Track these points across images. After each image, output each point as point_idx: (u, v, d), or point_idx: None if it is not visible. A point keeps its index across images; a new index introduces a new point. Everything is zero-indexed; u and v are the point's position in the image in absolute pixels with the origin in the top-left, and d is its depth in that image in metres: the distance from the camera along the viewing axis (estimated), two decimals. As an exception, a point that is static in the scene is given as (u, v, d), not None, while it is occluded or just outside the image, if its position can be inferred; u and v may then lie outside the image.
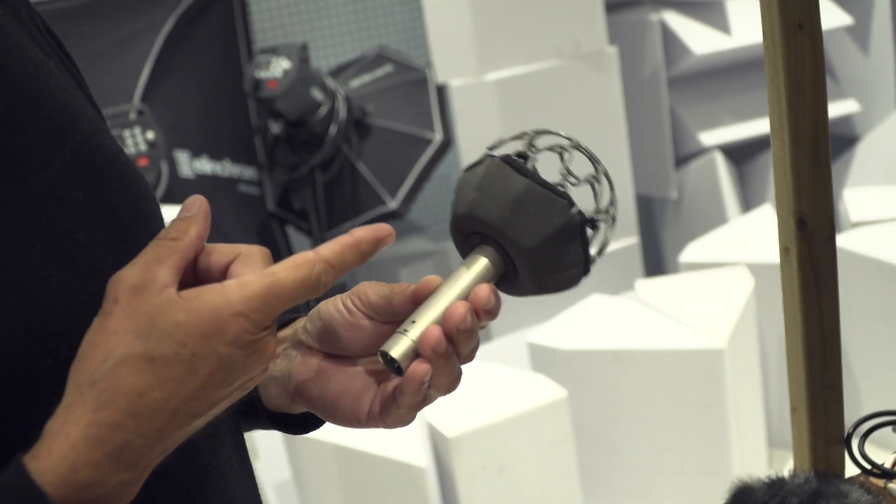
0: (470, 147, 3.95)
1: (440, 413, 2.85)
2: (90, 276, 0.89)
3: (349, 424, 1.02)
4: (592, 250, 0.99)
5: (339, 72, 4.38)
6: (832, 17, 4.35)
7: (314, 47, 4.61)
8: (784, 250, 1.43)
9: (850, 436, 1.57)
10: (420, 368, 0.91)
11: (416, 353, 0.92)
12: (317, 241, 4.18)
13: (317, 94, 3.94)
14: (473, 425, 2.79)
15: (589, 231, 0.99)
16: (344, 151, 4.14)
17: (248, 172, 4.27)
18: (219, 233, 4.03)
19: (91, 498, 0.80)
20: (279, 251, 4.37)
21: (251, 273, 0.84)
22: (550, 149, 1.02)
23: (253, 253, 0.87)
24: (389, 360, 0.92)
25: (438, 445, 2.88)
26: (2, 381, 0.82)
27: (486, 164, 0.98)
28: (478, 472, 2.82)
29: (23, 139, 0.88)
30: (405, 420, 0.99)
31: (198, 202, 0.89)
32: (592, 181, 1.01)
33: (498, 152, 1.00)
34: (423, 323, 0.93)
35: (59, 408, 0.81)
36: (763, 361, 3.39)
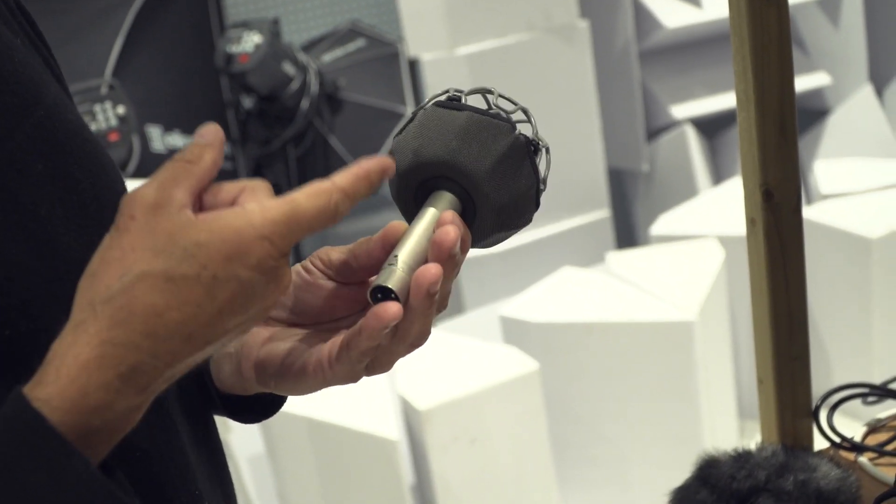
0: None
1: (412, 386, 2.84)
2: (49, 250, 0.87)
3: (297, 381, 0.98)
4: (541, 171, 0.97)
5: (310, 46, 4.36)
6: (802, -10, 4.36)
7: (286, 22, 4.59)
8: (750, 222, 1.41)
9: (818, 408, 1.56)
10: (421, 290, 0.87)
11: (408, 286, 0.88)
12: (290, 215, 4.17)
13: (288, 68, 3.93)
14: (445, 398, 2.78)
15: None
16: (316, 126, 4.12)
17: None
18: (192, 208, 4.05)
19: (98, 424, 0.78)
20: (253, 226, 4.36)
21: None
22: (475, 91, 0.99)
23: (258, 185, 0.83)
24: (382, 294, 0.87)
25: (410, 418, 2.87)
26: None
27: (418, 116, 0.96)
28: (450, 445, 2.82)
29: None
30: (354, 374, 0.94)
31: (213, 129, 0.84)
32: (521, 110, 0.98)
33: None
34: (409, 256, 0.90)
35: (66, 328, 0.78)
36: (733, 333, 3.40)
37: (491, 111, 0.95)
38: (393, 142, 0.97)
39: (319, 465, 2.92)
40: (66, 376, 0.78)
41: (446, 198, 0.94)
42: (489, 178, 0.93)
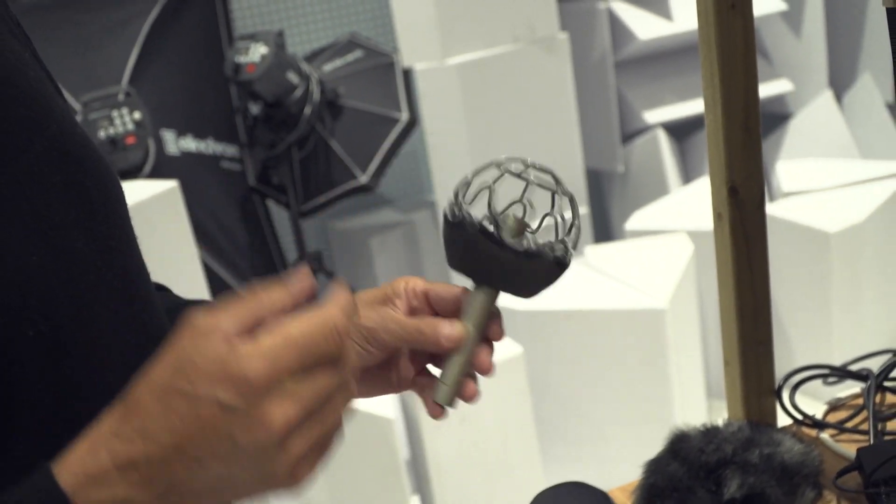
0: (434, 126, 3.93)
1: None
2: (66, 255, 0.87)
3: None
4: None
5: (313, 57, 4.35)
6: (767, 3, 4.36)
7: (290, 34, 4.58)
8: (717, 216, 1.41)
9: (781, 388, 1.56)
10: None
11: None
12: (294, 213, 4.17)
13: (292, 77, 3.92)
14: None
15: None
16: (318, 130, 4.11)
17: (230, 150, 4.24)
18: (203, 207, 4.01)
19: (101, 499, 0.77)
20: (260, 223, 4.35)
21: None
22: (519, 201, 1.03)
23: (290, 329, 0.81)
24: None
25: (405, 398, 2.87)
26: None
27: (465, 234, 1.00)
28: (442, 423, 2.79)
29: (5, 124, 0.85)
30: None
31: (302, 275, 0.84)
32: (565, 221, 1.04)
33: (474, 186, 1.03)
34: (456, 372, 1.03)
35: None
36: (702, 319, 3.40)
37: (539, 248, 0.99)
38: (445, 228, 1.03)
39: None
40: (77, 450, 0.78)
41: (489, 295, 1.02)
42: (532, 294, 1.02)
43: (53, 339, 0.84)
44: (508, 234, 0.99)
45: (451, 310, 1.04)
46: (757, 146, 1.37)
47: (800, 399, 1.57)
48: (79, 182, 0.91)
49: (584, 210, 4.21)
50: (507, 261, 0.98)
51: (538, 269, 0.99)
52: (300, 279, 0.84)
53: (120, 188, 0.99)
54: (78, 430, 0.85)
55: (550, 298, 3.18)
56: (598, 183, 4.81)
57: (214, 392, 0.77)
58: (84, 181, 0.92)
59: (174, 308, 1.14)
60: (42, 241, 0.85)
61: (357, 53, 4.32)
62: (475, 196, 1.02)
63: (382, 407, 2.77)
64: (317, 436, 0.80)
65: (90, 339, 0.88)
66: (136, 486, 0.77)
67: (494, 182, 1.02)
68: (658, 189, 4.34)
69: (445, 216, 1.01)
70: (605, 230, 4.80)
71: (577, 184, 4.15)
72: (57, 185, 0.88)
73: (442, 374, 1.02)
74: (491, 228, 0.99)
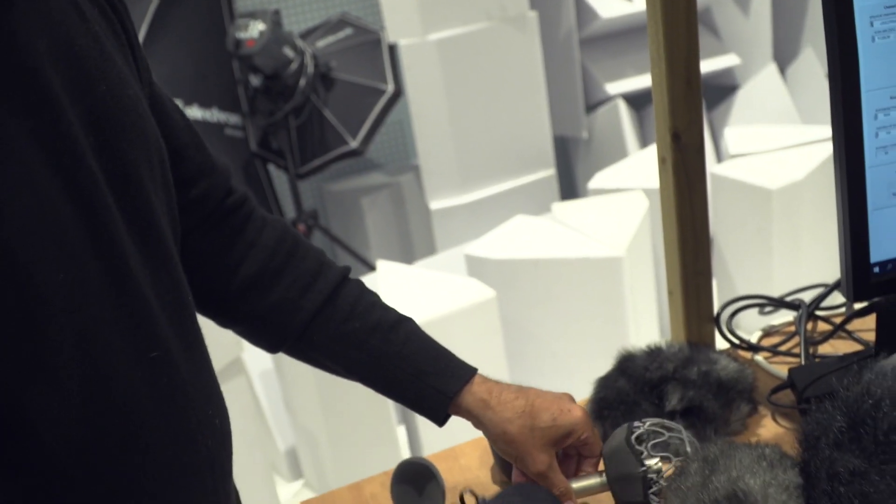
0: (417, 96, 3.93)
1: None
2: (91, 212, 0.87)
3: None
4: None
5: (307, 34, 4.33)
6: (716, -15, 4.35)
7: (286, 13, 4.56)
8: (662, 160, 1.42)
9: (719, 315, 1.57)
10: None
11: None
12: (292, 175, 4.16)
13: (288, 52, 3.90)
14: (420, 320, 2.77)
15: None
16: (312, 100, 4.10)
17: (233, 118, 4.22)
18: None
19: None
20: (261, 184, 4.34)
21: None
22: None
23: None
24: None
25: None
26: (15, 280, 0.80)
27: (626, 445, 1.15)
28: None
29: (47, 91, 0.85)
30: None
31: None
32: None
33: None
34: None
35: None
36: (655, 266, 3.41)
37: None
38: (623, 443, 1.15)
39: (318, 379, 2.92)
40: None
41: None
42: None
43: (81, 288, 0.85)
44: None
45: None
46: (697, 97, 1.38)
47: (738, 329, 1.59)
48: (116, 146, 0.91)
49: (551, 171, 4.22)
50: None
51: None
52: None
53: (161, 151, 0.99)
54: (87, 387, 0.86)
55: (521, 248, 3.21)
56: (564, 147, 4.81)
57: None
58: (122, 145, 0.92)
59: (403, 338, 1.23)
60: (74, 198, 0.86)
61: (347, 31, 4.30)
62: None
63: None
64: None
65: (118, 289, 0.89)
66: None
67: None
68: (618, 153, 4.35)
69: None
70: (571, 189, 4.81)
71: (544, 148, 4.15)
72: (92, 146, 0.89)
73: None
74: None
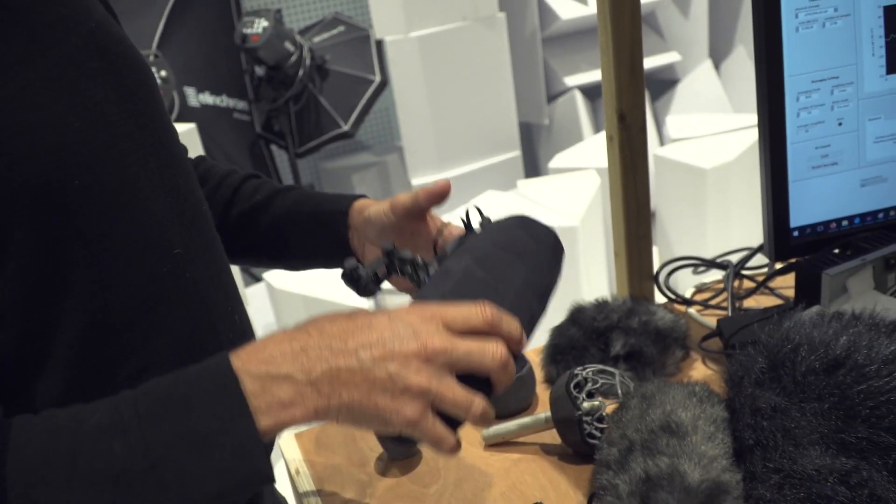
0: (401, 86, 3.90)
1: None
2: (104, 124, 0.84)
3: None
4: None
5: (305, 31, 4.29)
6: (659, -8, 4.33)
7: (287, 12, 4.52)
8: (609, 138, 1.40)
9: (658, 274, 1.55)
10: None
11: None
12: (292, 154, 4.14)
13: (289, 46, 3.86)
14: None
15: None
16: (309, 88, 4.06)
17: (240, 104, 4.18)
18: (219, 149, 3.95)
19: (265, 374, 0.76)
20: (265, 162, 4.32)
21: None
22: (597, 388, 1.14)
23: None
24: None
25: (379, 295, 2.85)
26: (44, 194, 0.77)
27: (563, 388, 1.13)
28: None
29: (43, 17, 0.82)
30: None
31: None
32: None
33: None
34: None
35: None
36: (606, 234, 3.41)
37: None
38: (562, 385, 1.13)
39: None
40: (258, 342, 0.78)
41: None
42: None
43: (98, 191, 0.81)
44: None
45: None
46: (640, 83, 1.35)
47: (677, 286, 1.57)
48: (115, 69, 0.88)
49: (517, 153, 4.21)
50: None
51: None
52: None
53: (152, 77, 0.96)
54: (131, 275, 0.84)
55: (492, 218, 3.20)
56: (528, 132, 4.79)
57: (391, 312, 0.80)
58: (120, 68, 0.89)
59: (293, 190, 1.17)
60: (84, 110, 0.82)
61: (340, 28, 4.27)
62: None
63: (363, 302, 2.76)
64: (443, 388, 0.78)
65: (130, 195, 0.85)
66: (300, 369, 0.76)
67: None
68: (574, 137, 4.34)
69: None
70: (534, 168, 4.80)
71: (511, 133, 4.14)
72: (95, 69, 0.85)
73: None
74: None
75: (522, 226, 1.00)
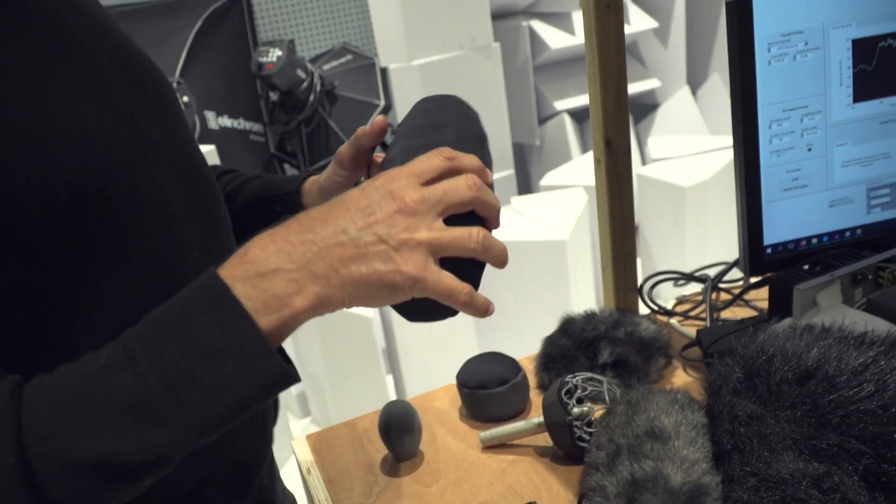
0: (404, 109, 3.90)
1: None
2: (134, 133, 0.82)
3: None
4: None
5: (316, 59, 4.29)
6: (643, 22, 4.33)
7: (299, 42, 4.52)
8: (597, 161, 1.39)
9: (642, 287, 1.55)
10: None
11: None
12: (303, 173, 4.13)
13: (301, 73, 3.86)
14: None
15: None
16: (320, 112, 4.06)
17: (256, 126, 4.18)
18: (237, 168, 3.97)
19: (255, 274, 0.71)
20: (278, 180, 4.31)
21: None
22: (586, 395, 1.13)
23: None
24: None
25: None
26: (77, 200, 0.74)
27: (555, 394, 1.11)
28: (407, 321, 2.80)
29: (69, 32, 0.81)
30: None
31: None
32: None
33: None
34: None
35: None
36: (593, 249, 3.40)
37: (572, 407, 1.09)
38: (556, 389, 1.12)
39: (321, 335, 2.90)
40: (244, 246, 0.73)
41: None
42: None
43: (130, 198, 0.79)
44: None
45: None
46: (625, 111, 1.35)
47: (658, 300, 1.57)
48: (138, 80, 0.86)
49: (511, 171, 4.20)
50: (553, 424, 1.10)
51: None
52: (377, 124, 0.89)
53: (171, 87, 0.94)
54: (154, 277, 0.82)
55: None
56: (521, 152, 4.79)
57: (362, 186, 0.75)
58: (142, 79, 0.87)
59: (258, 177, 1.14)
60: (114, 119, 0.80)
61: (348, 57, 4.27)
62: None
63: (362, 309, 2.75)
64: (434, 232, 0.74)
65: (158, 200, 0.83)
66: (288, 259, 0.71)
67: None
68: (563, 156, 4.33)
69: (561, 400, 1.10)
70: (526, 186, 4.79)
71: (505, 153, 4.13)
72: (121, 80, 0.84)
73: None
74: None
75: (426, 101, 0.98)
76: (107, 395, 0.66)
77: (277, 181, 1.12)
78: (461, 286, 0.74)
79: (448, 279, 0.74)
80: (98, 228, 0.76)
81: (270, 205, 1.10)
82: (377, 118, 0.97)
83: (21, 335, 0.74)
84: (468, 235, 0.75)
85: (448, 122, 0.90)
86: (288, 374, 0.70)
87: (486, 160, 0.89)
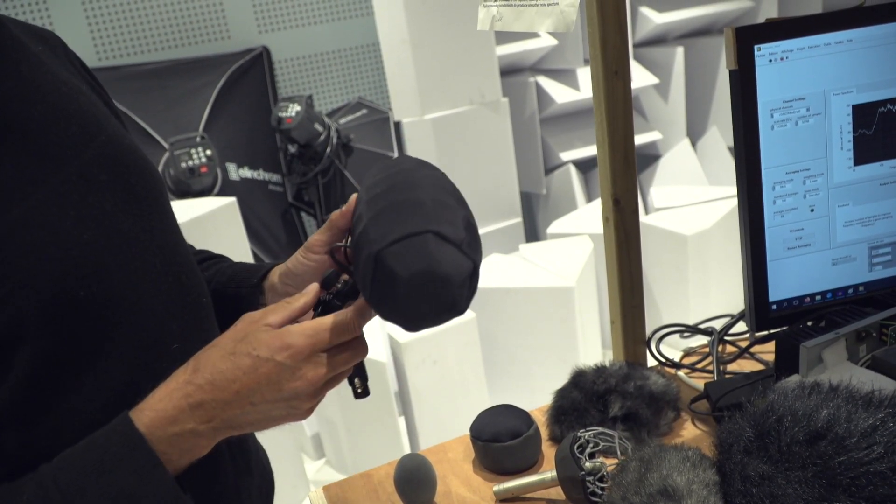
0: (416, 161, 3.91)
1: (395, 327, 2.80)
2: (114, 234, 0.82)
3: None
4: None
5: (332, 113, 4.31)
6: (645, 78, 4.34)
7: (317, 97, 4.54)
8: (605, 219, 1.38)
9: (650, 339, 1.53)
10: None
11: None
12: (320, 222, 4.13)
13: (318, 127, 3.88)
14: (417, 335, 2.74)
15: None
16: (336, 164, 4.07)
17: (275, 177, 4.19)
18: (256, 217, 3.95)
19: (172, 434, 0.76)
20: (296, 228, 4.31)
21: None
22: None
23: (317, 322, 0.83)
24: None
25: (394, 347, 2.83)
26: (48, 309, 0.74)
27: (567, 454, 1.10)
28: (419, 365, 2.78)
29: (56, 138, 0.80)
30: None
31: (314, 287, 0.87)
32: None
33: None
34: None
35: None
36: (599, 294, 3.38)
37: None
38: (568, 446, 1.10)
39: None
40: (155, 397, 0.77)
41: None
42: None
43: (103, 299, 0.79)
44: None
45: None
46: (632, 170, 1.34)
47: (664, 348, 1.55)
48: (124, 178, 0.86)
49: (518, 219, 4.20)
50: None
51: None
52: (311, 288, 0.87)
53: (160, 180, 0.93)
54: (128, 374, 0.81)
55: (495, 279, 3.18)
56: (528, 201, 4.79)
57: (272, 354, 0.78)
58: (129, 178, 0.86)
59: (229, 267, 1.11)
60: (93, 223, 0.80)
61: (363, 111, 4.28)
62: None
63: (377, 353, 2.74)
64: (331, 387, 0.82)
65: (133, 298, 0.83)
66: (201, 422, 0.76)
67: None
68: (569, 205, 4.33)
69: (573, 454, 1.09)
70: (534, 234, 4.78)
71: (513, 202, 4.13)
72: (104, 182, 0.83)
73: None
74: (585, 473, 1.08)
75: (380, 166, 0.96)
76: None
77: (239, 275, 1.07)
78: (343, 330, 0.81)
79: (336, 362, 0.81)
80: (69, 332, 0.76)
81: (235, 302, 1.05)
82: (352, 197, 0.95)
83: None
84: (346, 326, 0.82)
85: (417, 183, 0.89)
86: None
87: (466, 214, 0.87)
